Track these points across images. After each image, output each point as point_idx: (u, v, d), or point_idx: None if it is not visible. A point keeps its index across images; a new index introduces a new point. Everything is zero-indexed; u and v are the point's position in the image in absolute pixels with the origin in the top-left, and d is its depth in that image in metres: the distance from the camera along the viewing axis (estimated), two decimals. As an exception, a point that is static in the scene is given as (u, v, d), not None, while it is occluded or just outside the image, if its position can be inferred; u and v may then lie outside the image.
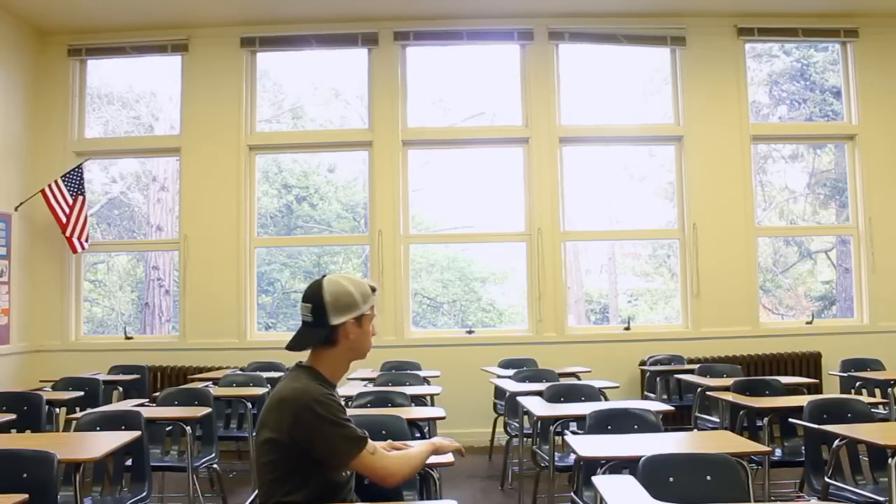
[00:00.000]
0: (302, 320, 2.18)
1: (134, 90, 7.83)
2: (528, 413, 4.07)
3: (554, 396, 4.22)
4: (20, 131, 6.60)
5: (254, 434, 2.17)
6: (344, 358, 2.20)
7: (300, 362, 2.22)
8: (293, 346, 2.20)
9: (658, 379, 5.76)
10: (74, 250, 6.56)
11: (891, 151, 6.82)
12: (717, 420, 4.64)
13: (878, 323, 6.65)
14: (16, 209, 6.43)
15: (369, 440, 2.07)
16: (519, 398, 4.29)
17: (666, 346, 6.42)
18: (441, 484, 2.79)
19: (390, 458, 2.15)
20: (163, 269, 7.93)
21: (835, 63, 7.23)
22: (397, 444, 2.65)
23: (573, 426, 3.73)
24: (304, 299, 2.16)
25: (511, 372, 5.38)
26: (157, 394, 4.65)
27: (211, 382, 5.19)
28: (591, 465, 2.89)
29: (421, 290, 7.42)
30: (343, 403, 2.15)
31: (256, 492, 2.08)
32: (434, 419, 3.89)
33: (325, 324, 2.13)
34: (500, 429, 5.46)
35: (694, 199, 6.75)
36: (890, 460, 2.79)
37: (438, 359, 6.10)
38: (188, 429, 3.82)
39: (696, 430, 4.71)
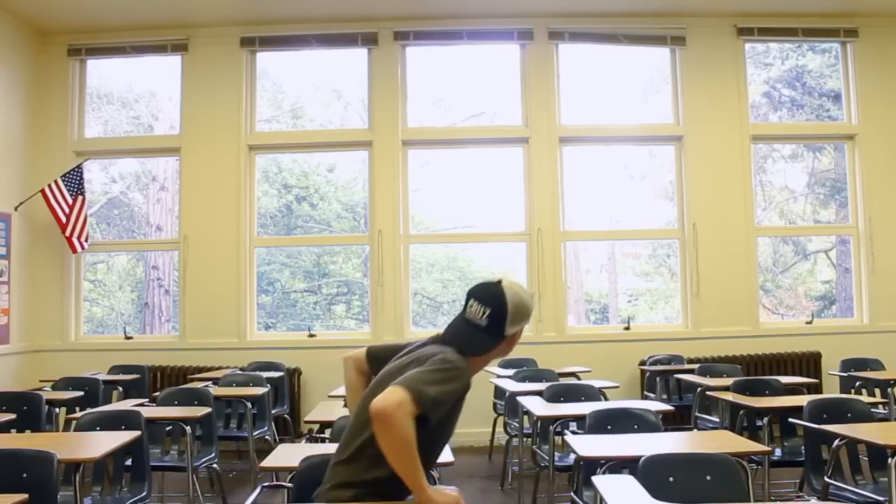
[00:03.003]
0: (469, 319, 2.04)
1: (134, 90, 7.82)
2: (528, 413, 4.07)
3: (554, 396, 4.22)
4: (20, 131, 6.60)
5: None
6: (489, 360, 2.10)
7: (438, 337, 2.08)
8: (456, 343, 2.01)
9: (658, 379, 5.76)
10: (74, 250, 6.56)
11: (891, 151, 6.82)
12: (717, 420, 4.64)
13: (877, 323, 6.65)
14: (16, 209, 6.43)
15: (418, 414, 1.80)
16: (519, 398, 4.29)
17: (666, 345, 6.42)
18: (440, 483, 2.79)
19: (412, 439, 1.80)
20: (163, 268, 7.93)
21: (831, 67, 7.23)
22: None
23: (573, 426, 3.73)
24: (483, 301, 2.03)
25: (511, 372, 5.38)
26: (157, 394, 4.65)
27: (211, 382, 5.20)
28: (591, 465, 2.89)
29: (421, 289, 7.42)
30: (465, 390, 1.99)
31: (330, 481, 1.97)
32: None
33: (500, 333, 2.02)
34: (499, 429, 5.46)
35: (694, 199, 6.75)
36: (890, 460, 2.80)
37: (438, 359, 6.08)
38: (188, 429, 3.82)
39: (695, 430, 4.71)
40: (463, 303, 2.10)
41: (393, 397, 1.78)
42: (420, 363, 1.94)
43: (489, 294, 2.03)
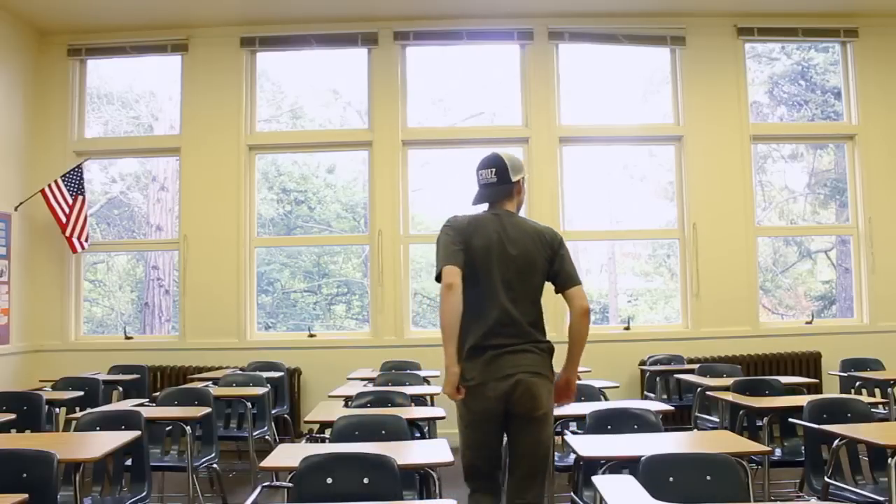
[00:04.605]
0: (483, 184, 2.88)
1: (134, 90, 7.82)
2: (527, 413, 4.05)
3: (554, 396, 4.21)
4: (20, 131, 6.60)
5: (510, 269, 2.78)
6: (519, 203, 2.93)
7: (496, 211, 2.85)
8: (488, 199, 2.87)
9: (658, 379, 5.77)
10: (74, 250, 6.56)
11: (891, 151, 6.82)
12: (717, 420, 4.64)
13: (877, 323, 6.65)
14: (16, 209, 6.43)
15: None
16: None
17: (666, 345, 6.42)
18: (441, 483, 2.79)
19: None
20: (163, 269, 7.93)
21: (835, 64, 7.23)
22: None
23: (573, 426, 3.73)
24: (486, 167, 2.87)
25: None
26: (157, 394, 4.65)
27: (211, 382, 5.20)
28: (591, 465, 2.89)
29: (421, 289, 7.41)
30: None
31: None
32: (434, 419, 3.89)
33: (508, 180, 2.85)
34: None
35: (694, 199, 6.75)
36: (890, 460, 2.80)
37: (438, 359, 6.04)
38: (188, 429, 3.82)
39: (696, 430, 4.71)
40: (478, 180, 2.92)
41: (585, 296, 2.82)
42: (551, 246, 2.82)
43: (488, 160, 2.90)
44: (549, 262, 2.77)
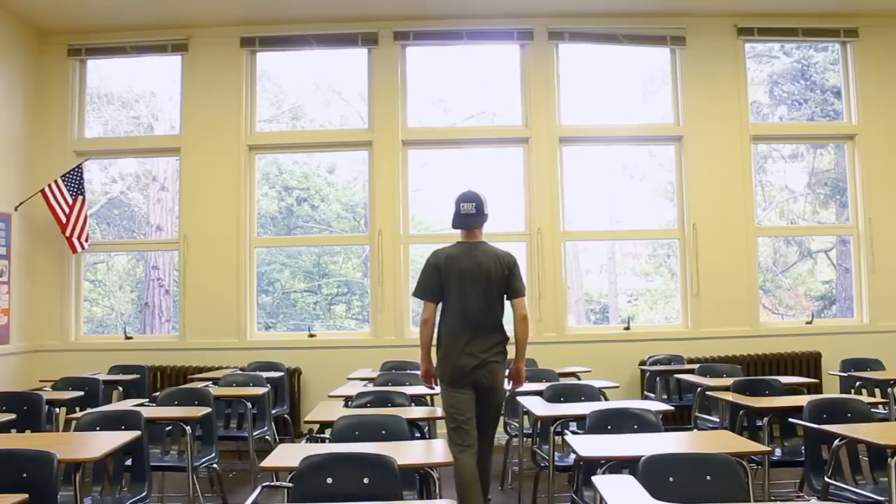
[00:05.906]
0: (464, 214, 3.86)
1: (134, 90, 7.82)
2: (527, 413, 4.07)
3: (554, 396, 4.22)
4: (20, 131, 6.60)
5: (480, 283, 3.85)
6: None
7: (468, 241, 3.90)
8: (467, 226, 3.88)
9: (658, 379, 5.77)
10: (74, 250, 6.56)
11: (891, 151, 6.82)
12: (717, 420, 4.65)
13: (877, 323, 6.65)
14: (16, 209, 6.43)
15: None
16: (519, 398, 4.30)
17: (666, 345, 6.42)
18: (441, 483, 2.79)
19: None
20: (163, 268, 7.93)
21: (835, 63, 7.23)
22: None
23: (573, 426, 3.73)
24: (467, 201, 3.86)
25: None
26: (157, 394, 4.65)
27: (211, 382, 5.20)
28: (591, 465, 2.89)
29: (421, 290, 7.41)
30: None
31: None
32: (434, 419, 3.90)
33: (483, 213, 3.89)
34: (500, 428, 5.44)
35: (694, 199, 6.75)
36: (890, 460, 2.80)
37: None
38: (188, 429, 3.82)
39: (696, 430, 4.71)
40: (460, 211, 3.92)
41: (525, 304, 3.89)
42: (507, 266, 3.88)
43: (469, 196, 3.89)
44: (506, 278, 3.82)
